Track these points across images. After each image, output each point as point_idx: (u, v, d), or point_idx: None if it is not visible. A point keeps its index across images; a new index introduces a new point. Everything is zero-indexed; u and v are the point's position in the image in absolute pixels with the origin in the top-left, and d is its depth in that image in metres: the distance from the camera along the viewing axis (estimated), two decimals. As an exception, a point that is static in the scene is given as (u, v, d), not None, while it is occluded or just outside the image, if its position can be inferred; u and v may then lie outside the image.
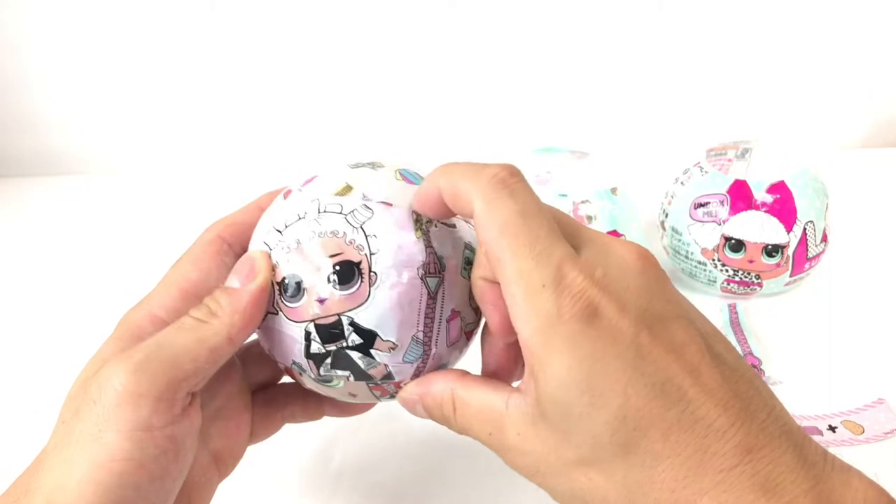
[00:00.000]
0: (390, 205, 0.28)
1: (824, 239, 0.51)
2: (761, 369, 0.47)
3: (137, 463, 0.24)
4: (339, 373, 0.28)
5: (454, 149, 0.80)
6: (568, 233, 0.24)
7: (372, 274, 0.26)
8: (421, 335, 0.27)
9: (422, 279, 0.27)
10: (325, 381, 0.28)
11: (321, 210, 0.27)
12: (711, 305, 0.54)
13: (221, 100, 0.79)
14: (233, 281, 0.27)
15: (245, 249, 0.30)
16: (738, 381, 0.22)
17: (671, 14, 0.74)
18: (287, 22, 0.74)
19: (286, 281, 0.27)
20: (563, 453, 0.22)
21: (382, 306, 0.26)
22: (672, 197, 0.54)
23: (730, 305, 0.53)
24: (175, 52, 0.77)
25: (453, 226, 0.29)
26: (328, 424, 0.45)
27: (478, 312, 0.30)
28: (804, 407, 0.44)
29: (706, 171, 0.52)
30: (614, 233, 0.50)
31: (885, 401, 0.44)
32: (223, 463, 0.31)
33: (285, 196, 0.29)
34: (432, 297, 0.27)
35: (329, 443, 0.44)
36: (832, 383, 0.46)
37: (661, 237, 0.56)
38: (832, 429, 0.43)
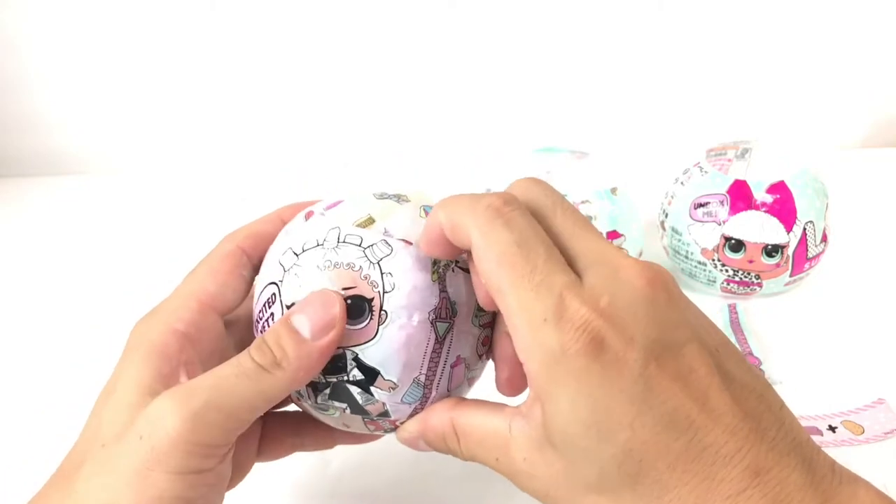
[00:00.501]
0: (410, 243, 0.27)
1: (824, 239, 0.51)
2: (761, 369, 0.47)
3: (185, 501, 0.24)
4: (337, 404, 0.28)
5: (454, 149, 0.80)
6: (571, 255, 0.24)
7: (383, 312, 0.26)
8: (423, 378, 0.27)
9: (432, 323, 0.27)
10: (321, 408, 0.28)
11: (340, 240, 0.27)
12: (711, 305, 0.54)
13: (221, 100, 0.79)
14: (303, 325, 0.25)
15: (261, 261, 0.30)
16: (747, 398, 0.22)
17: (671, 14, 0.74)
18: (287, 22, 0.74)
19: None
20: (571, 479, 0.22)
21: (389, 346, 0.26)
22: (672, 197, 0.54)
23: (730, 305, 0.53)
24: (175, 52, 0.77)
25: (469, 271, 0.29)
26: None
27: (483, 360, 0.29)
28: (804, 407, 0.44)
29: (706, 171, 0.52)
30: (614, 233, 0.50)
31: (885, 401, 0.44)
32: (231, 476, 0.31)
33: (307, 217, 0.29)
34: (440, 341, 0.27)
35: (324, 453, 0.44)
36: (832, 383, 0.46)
37: (661, 237, 0.56)
38: (832, 429, 0.43)
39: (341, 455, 0.43)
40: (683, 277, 0.56)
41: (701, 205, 0.51)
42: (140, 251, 0.66)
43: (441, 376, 0.28)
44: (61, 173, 0.83)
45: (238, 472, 0.31)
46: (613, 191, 0.51)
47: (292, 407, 0.33)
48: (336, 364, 0.27)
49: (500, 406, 0.25)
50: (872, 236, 0.62)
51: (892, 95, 0.79)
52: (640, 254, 0.53)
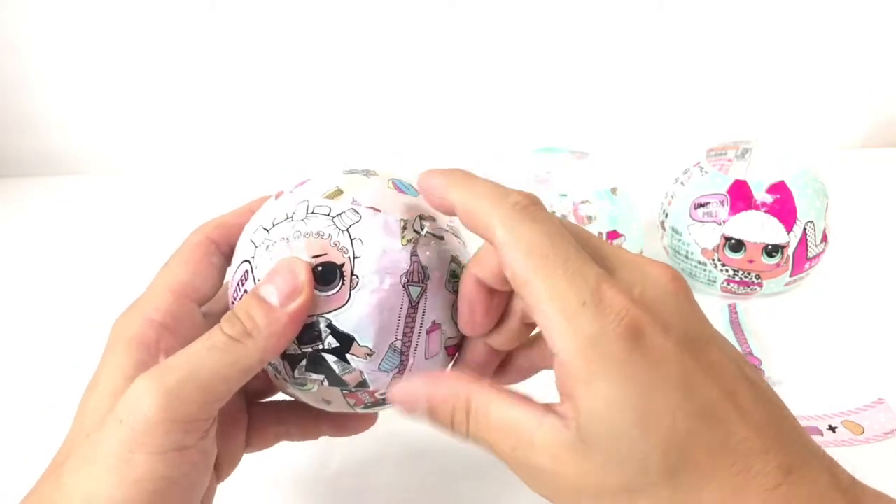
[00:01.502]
0: (379, 210, 0.27)
1: (824, 239, 0.51)
2: (761, 369, 0.47)
3: (170, 481, 0.24)
4: (314, 376, 0.27)
5: (454, 149, 0.80)
6: (598, 255, 0.24)
7: (354, 277, 0.26)
8: (399, 344, 0.27)
9: (404, 287, 0.27)
10: (298, 383, 0.28)
11: (309, 211, 0.27)
12: (711, 305, 0.54)
13: (221, 100, 0.79)
14: (270, 294, 0.26)
15: (233, 251, 0.30)
16: (767, 403, 0.22)
17: (671, 14, 0.74)
18: (287, 22, 0.74)
19: None
20: (603, 479, 0.21)
21: (362, 311, 0.26)
22: (672, 197, 0.54)
23: (730, 305, 0.53)
24: (175, 52, 0.77)
25: (442, 238, 0.29)
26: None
27: (459, 329, 0.29)
28: (804, 407, 0.44)
29: (706, 171, 0.52)
30: (614, 233, 0.50)
31: (885, 401, 0.44)
32: (219, 467, 0.31)
33: (276, 197, 0.29)
34: (413, 306, 0.27)
35: (326, 446, 0.44)
36: (832, 383, 0.46)
37: (661, 237, 0.56)
38: (832, 429, 0.43)
39: (341, 455, 0.43)
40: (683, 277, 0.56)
41: (701, 205, 0.51)
42: (140, 251, 0.65)
43: (418, 342, 0.27)
44: (61, 173, 0.83)
45: (228, 463, 0.32)
46: (613, 191, 0.51)
47: (280, 396, 0.34)
48: (311, 333, 0.26)
49: (527, 398, 0.24)
50: (872, 236, 0.62)
51: (892, 95, 0.79)
52: (641, 254, 0.53)
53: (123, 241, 0.69)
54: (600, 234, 0.50)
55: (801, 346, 0.50)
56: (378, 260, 0.26)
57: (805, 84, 0.78)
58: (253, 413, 0.33)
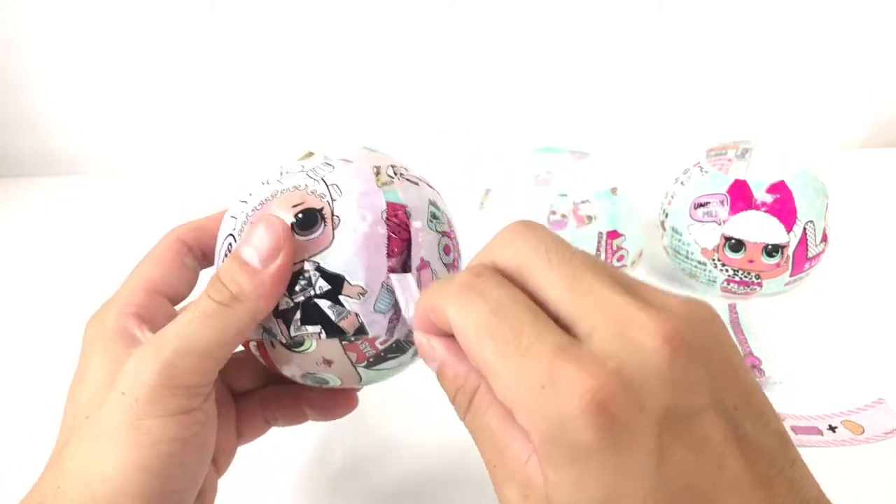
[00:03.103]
0: (351, 161, 0.28)
1: (824, 239, 0.51)
2: (761, 369, 0.47)
3: (183, 441, 0.25)
4: (310, 329, 0.27)
5: (454, 149, 0.80)
6: (572, 317, 0.21)
7: (335, 218, 0.27)
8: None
9: (387, 223, 0.27)
10: (296, 344, 0.28)
11: (283, 172, 0.28)
12: (711, 305, 0.54)
13: (221, 100, 0.79)
14: (252, 256, 0.26)
15: (203, 253, 0.30)
16: (759, 462, 0.21)
17: (671, 14, 0.74)
18: (286, 23, 0.74)
19: None
20: None
21: (348, 248, 0.26)
22: (672, 197, 0.54)
23: (730, 305, 0.53)
24: (175, 52, 0.77)
25: (417, 184, 0.29)
26: (327, 427, 0.45)
27: (450, 273, 0.29)
28: (804, 407, 0.44)
29: (706, 171, 0.52)
30: (614, 233, 0.50)
31: (885, 401, 0.44)
32: (216, 460, 0.31)
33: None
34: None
35: (328, 445, 0.44)
36: (832, 383, 0.46)
37: (661, 237, 0.56)
38: (832, 429, 0.43)
39: (341, 456, 0.43)
40: (683, 277, 0.56)
41: (701, 205, 0.51)
42: (140, 251, 0.65)
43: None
44: (61, 173, 0.83)
45: (224, 456, 0.32)
46: (613, 191, 0.51)
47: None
48: (300, 281, 0.26)
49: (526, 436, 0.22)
50: (872, 236, 0.62)
51: (892, 95, 0.79)
52: (640, 254, 0.53)
53: (123, 241, 0.68)
54: (600, 234, 0.50)
55: (802, 346, 0.50)
56: (357, 200, 0.27)
57: (805, 84, 0.78)
58: (240, 403, 0.33)
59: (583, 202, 0.50)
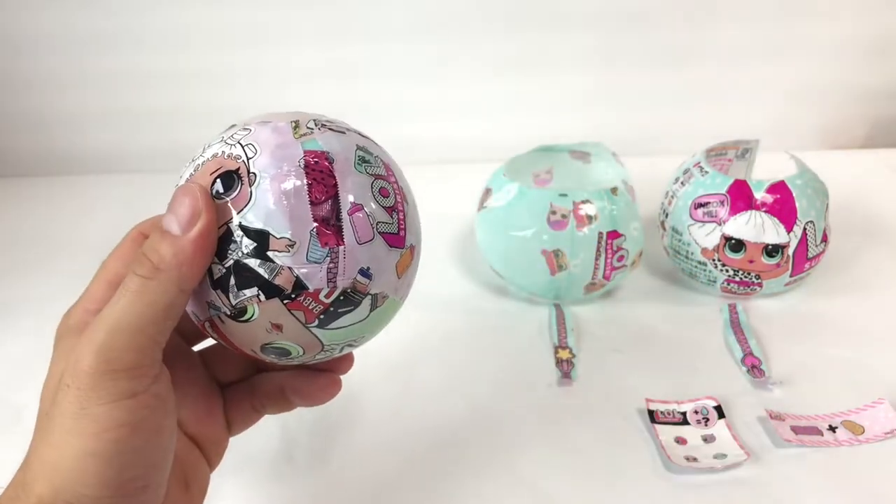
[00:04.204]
0: (268, 122, 0.28)
1: (824, 239, 0.51)
2: (761, 369, 0.47)
3: (131, 427, 0.24)
4: (248, 293, 0.26)
5: (455, 149, 0.80)
6: None
7: (251, 175, 0.26)
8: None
9: (305, 171, 0.26)
10: (240, 313, 0.27)
11: (206, 147, 0.29)
12: (711, 305, 0.54)
13: (222, 102, 0.79)
14: (171, 224, 0.26)
15: None
16: None
17: (671, 13, 0.74)
18: (286, 24, 0.74)
19: None
20: None
21: (267, 201, 0.26)
22: (672, 197, 0.54)
23: (730, 305, 0.53)
24: (176, 53, 0.77)
25: (343, 133, 0.29)
26: (326, 425, 0.44)
27: (393, 216, 0.28)
28: (804, 407, 0.44)
29: (706, 171, 0.52)
30: (614, 233, 0.50)
31: (885, 401, 0.44)
32: (206, 451, 0.31)
33: None
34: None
35: (326, 444, 0.44)
36: (832, 383, 0.46)
37: (662, 237, 0.56)
38: (832, 429, 0.43)
39: (342, 457, 0.43)
40: (683, 277, 0.56)
41: (701, 205, 0.51)
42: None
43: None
44: (61, 173, 0.83)
45: (214, 449, 0.32)
46: (613, 191, 0.51)
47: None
48: (228, 244, 0.26)
49: None
50: (872, 236, 0.62)
51: (892, 96, 0.79)
52: (640, 254, 0.53)
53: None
54: (600, 234, 0.50)
55: (801, 346, 0.50)
56: (272, 153, 0.27)
57: (805, 84, 0.78)
58: (228, 393, 0.33)
59: (583, 202, 0.50)
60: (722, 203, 0.50)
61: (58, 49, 0.76)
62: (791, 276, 0.51)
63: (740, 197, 0.50)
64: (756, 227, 0.49)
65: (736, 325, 0.51)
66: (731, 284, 0.52)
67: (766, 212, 0.49)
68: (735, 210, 0.50)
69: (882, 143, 0.82)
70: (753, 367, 0.47)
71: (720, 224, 0.50)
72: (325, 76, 0.78)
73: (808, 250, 0.50)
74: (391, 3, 0.73)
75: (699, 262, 0.52)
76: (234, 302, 0.27)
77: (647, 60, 0.77)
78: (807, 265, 0.51)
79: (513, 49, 0.76)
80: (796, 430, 0.43)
